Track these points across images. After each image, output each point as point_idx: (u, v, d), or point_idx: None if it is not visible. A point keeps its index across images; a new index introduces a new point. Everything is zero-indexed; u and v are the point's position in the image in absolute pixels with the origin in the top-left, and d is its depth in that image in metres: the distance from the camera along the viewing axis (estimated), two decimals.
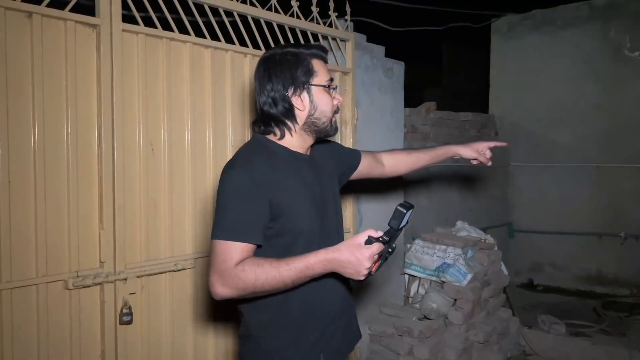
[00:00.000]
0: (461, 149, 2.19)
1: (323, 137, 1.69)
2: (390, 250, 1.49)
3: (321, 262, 1.43)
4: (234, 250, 1.45)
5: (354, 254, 1.41)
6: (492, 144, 2.21)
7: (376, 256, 1.43)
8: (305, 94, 1.59)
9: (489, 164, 2.20)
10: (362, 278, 1.44)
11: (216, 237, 1.48)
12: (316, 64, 1.61)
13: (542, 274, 6.03)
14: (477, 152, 2.18)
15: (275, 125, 1.62)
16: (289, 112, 1.60)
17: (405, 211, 1.45)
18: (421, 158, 2.17)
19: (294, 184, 1.57)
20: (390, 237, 1.45)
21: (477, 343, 3.62)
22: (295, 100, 1.59)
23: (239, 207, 1.48)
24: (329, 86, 1.62)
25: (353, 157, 1.99)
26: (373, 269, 1.46)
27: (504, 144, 2.30)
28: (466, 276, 3.58)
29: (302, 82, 1.58)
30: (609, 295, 5.37)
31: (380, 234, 1.42)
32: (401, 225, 1.47)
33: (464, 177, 5.35)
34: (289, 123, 1.61)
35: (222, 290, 1.46)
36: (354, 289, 1.80)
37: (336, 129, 1.69)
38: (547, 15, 5.97)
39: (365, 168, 2.02)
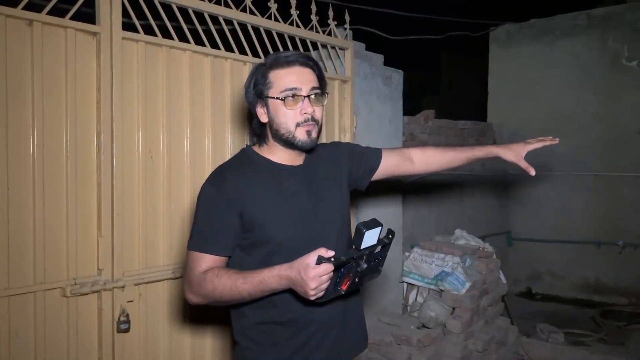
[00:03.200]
0: (502, 151, 1.96)
1: (297, 148, 1.61)
2: (359, 269, 1.43)
3: (274, 278, 1.42)
4: (200, 260, 1.54)
5: (299, 274, 1.36)
6: (532, 147, 1.96)
7: (325, 276, 1.34)
8: (264, 106, 1.61)
9: (532, 173, 1.93)
10: (311, 298, 1.37)
11: (188, 247, 1.58)
12: (275, 74, 1.58)
13: (541, 282, 6.02)
14: (518, 157, 1.94)
15: (255, 135, 1.68)
16: (258, 124, 1.65)
17: (364, 229, 1.37)
18: (456, 158, 2.00)
19: (269, 196, 1.58)
20: (351, 257, 1.38)
21: (475, 352, 3.61)
22: (258, 112, 1.63)
23: (205, 220, 1.56)
24: (283, 98, 1.55)
25: (372, 157, 1.89)
26: (344, 288, 1.40)
27: (554, 141, 1.96)
28: (464, 285, 3.58)
29: (259, 95, 1.60)
30: (608, 304, 5.37)
31: (331, 254, 1.34)
32: (365, 245, 1.40)
33: (462, 185, 5.35)
34: (262, 134, 1.66)
35: (191, 296, 1.57)
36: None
37: (310, 141, 1.59)
38: (545, 24, 6.01)
39: (390, 166, 1.91)
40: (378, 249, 1.47)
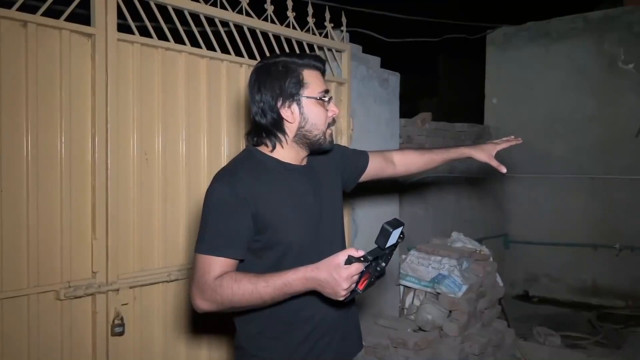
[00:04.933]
0: (474, 152, 2.06)
1: (317, 150, 1.63)
2: (378, 269, 1.43)
3: (300, 280, 1.40)
4: (213, 264, 1.46)
5: (331, 274, 1.35)
6: (500, 146, 2.06)
7: (356, 276, 1.36)
8: (295, 106, 1.55)
9: (503, 170, 2.01)
10: (341, 298, 1.38)
11: (197, 250, 1.50)
12: (308, 75, 1.56)
13: (538, 285, 6.02)
14: (489, 156, 2.04)
15: (266, 136, 1.60)
16: (278, 124, 1.57)
17: (391, 229, 1.39)
18: (433, 159, 2.10)
19: (281, 197, 1.55)
20: (376, 256, 1.40)
21: (472, 355, 3.60)
22: (284, 112, 1.55)
23: (219, 222, 1.48)
24: (321, 98, 1.57)
25: (360, 158, 1.93)
26: (361, 288, 1.40)
27: (518, 140, 2.08)
28: (461, 287, 3.57)
29: (292, 94, 1.54)
30: (604, 307, 5.37)
31: (361, 253, 1.36)
32: (389, 244, 1.41)
33: (459, 187, 5.35)
34: (279, 134, 1.58)
35: (202, 303, 1.48)
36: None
37: (331, 143, 1.63)
38: (542, 27, 6.02)
39: (374, 169, 1.96)
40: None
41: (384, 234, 1.40)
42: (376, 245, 1.41)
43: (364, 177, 1.95)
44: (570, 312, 5.42)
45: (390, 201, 3.96)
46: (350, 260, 1.34)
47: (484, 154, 2.04)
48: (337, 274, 1.34)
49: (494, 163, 2.02)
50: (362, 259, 1.35)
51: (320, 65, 1.61)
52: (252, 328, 1.59)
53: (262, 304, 1.45)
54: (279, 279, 1.41)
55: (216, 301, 1.45)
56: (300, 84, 1.55)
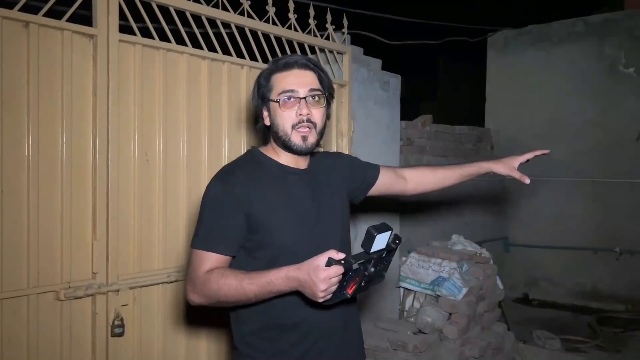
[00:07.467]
0: (494, 166, 2.03)
1: (293, 152, 1.61)
2: (366, 273, 1.42)
3: (282, 279, 1.41)
4: (204, 259, 1.52)
5: (309, 275, 1.35)
6: (523, 158, 2.03)
7: (335, 279, 1.33)
8: (266, 109, 1.62)
9: (527, 181, 1.98)
10: (320, 300, 1.37)
11: (191, 245, 1.56)
12: (275, 77, 1.59)
13: (538, 288, 6.02)
14: (510, 168, 2.01)
15: (261, 138, 1.70)
16: (262, 126, 1.67)
17: (375, 233, 1.37)
18: (448, 176, 2.06)
19: (277, 198, 1.57)
20: (361, 260, 1.38)
21: (472, 358, 3.59)
22: (263, 115, 1.64)
23: (212, 219, 1.54)
24: (277, 100, 1.56)
25: (370, 171, 1.92)
26: (349, 292, 1.39)
27: (544, 151, 2.05)
28: (461, 290, 3.57)
29: (262, 97, 1.62)
30: (604, 311, 5.37)
31: (341, 256, 1.33)
32: (375, 249, 1.40)
33: (460, 190, 5.35)
34: (266, 137, 1.68)
35: (193, 297, 1.54)
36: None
37: (303, 147, 1.57)
38: (542, 30, 6.03)
39: (384, 184, 1.94)
40: (384, 253, 1.47)
41: (369, 238, 1.39)
42: (363, 250, 1.41)
43: (374, 191, 1.94)
44: (570, 315, 5.42)
45: (390, 203, 3.96)
46: (330, 262, 1.33)
47: (505, 166, 2.01)
48: (314, 275, 1.34)
49: (517, 175, 1.99)
50: (342, 261, 1.34)
51: (291, 61, 1.59)
52: (245, 328, 1.61)
53: (247, 301, 1.48)
54: (263, 277, 1.43)
55: (204, 294, 1.50)
56: (267, 87, 1.61)
